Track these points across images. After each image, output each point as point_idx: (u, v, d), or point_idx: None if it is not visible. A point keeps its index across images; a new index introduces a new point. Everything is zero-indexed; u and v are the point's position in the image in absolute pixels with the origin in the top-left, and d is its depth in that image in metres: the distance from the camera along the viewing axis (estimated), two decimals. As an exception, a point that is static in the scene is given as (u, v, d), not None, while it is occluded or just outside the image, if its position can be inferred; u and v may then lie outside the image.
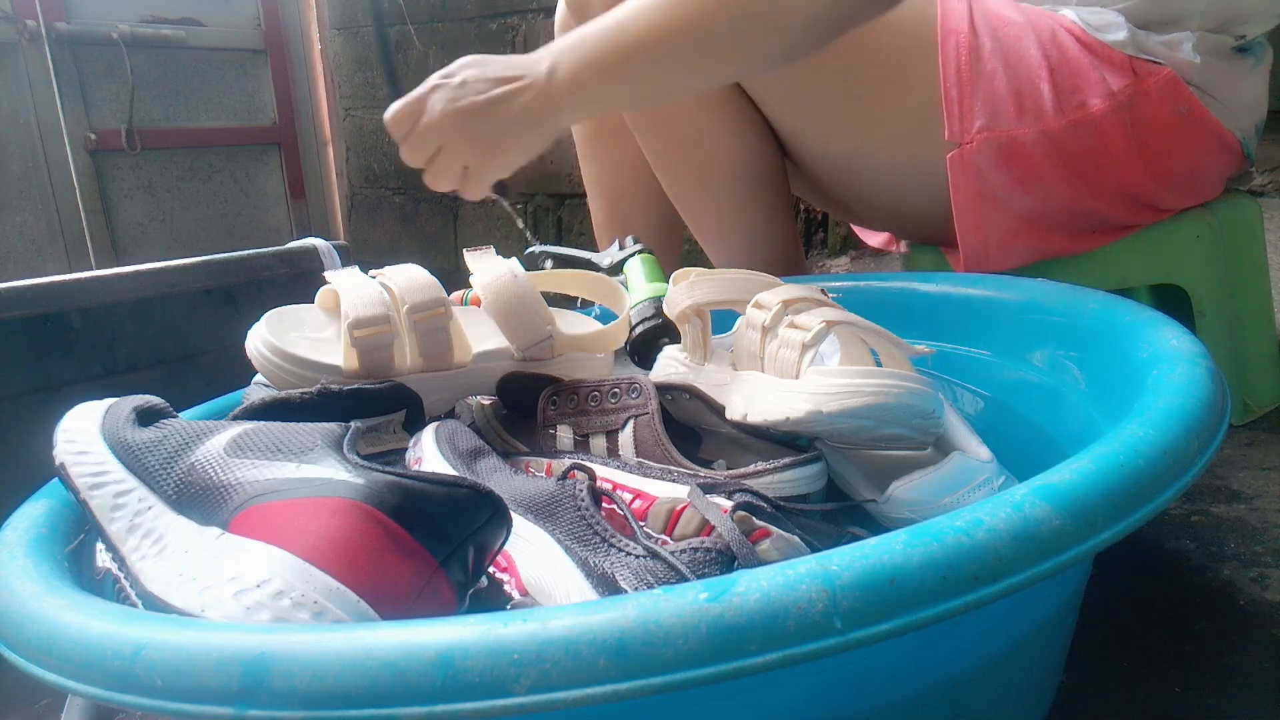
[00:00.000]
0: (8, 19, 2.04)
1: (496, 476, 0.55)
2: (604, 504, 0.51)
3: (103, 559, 0.44)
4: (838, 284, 0.82)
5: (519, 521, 0.49)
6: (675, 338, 0.71)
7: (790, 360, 0.56)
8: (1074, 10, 0.82)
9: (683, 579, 0.42)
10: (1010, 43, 0.80)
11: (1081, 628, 0.50)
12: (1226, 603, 0.62)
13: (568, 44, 0.70)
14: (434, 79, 0.72)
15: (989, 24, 0.81)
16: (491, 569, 0.47)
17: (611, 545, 0.45)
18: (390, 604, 0.37)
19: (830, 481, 0.58)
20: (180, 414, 0.54)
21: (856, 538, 0.47)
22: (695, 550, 0.42)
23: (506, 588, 0.47)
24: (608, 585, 0.44)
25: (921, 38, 0.82)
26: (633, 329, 0.80)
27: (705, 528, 0.46)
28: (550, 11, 1.12)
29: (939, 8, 0.82)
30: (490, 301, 0.68)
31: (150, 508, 0.43)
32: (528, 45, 2.16)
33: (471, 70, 0.71)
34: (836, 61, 0.85)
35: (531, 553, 0.47)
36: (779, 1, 0.66)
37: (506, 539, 0.43)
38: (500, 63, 0.71)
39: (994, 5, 0.83)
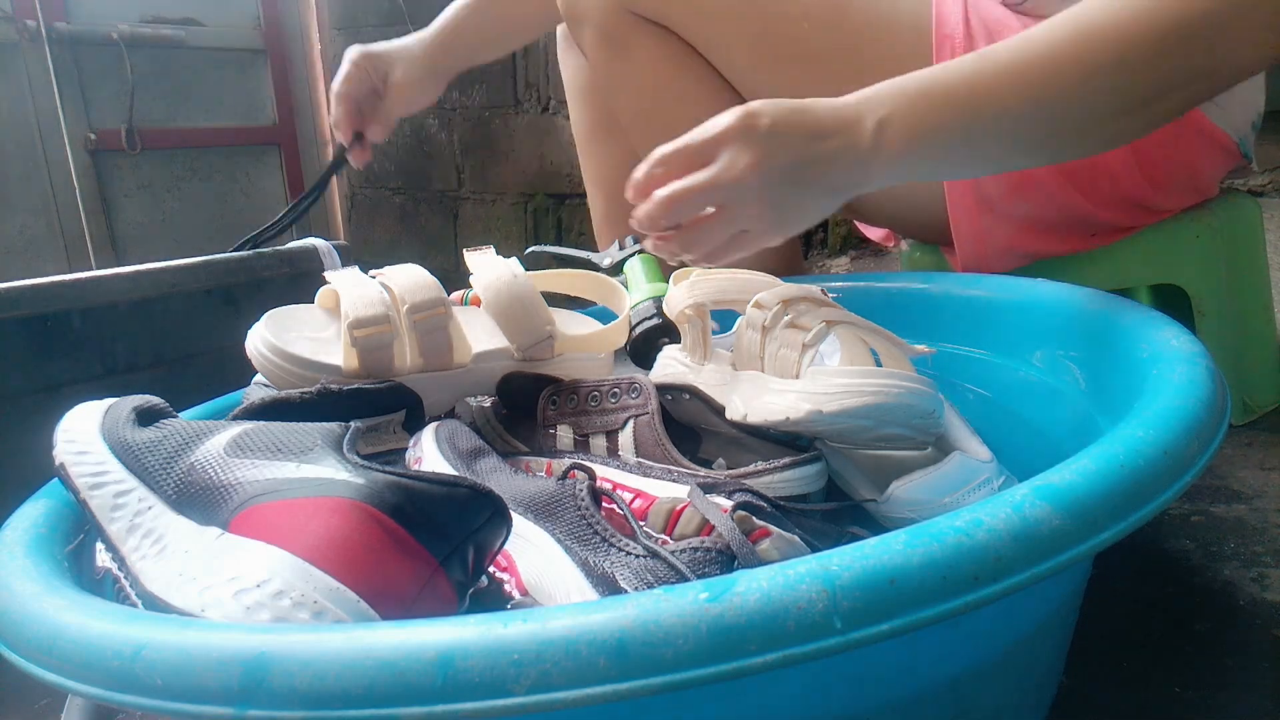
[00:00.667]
0: (8, 19, 2.04)
1: (496, 476, 0.55)
2: (604, 504, 0.51)
3: (103, 559, 0.44)
4: (838, 284, 0.82)
5: (519, 521, 0.49)
6: (675, 338, 0.71)
7: (790, 360, 0.56)
8: None
9: (683, 579, 0.42)
10: None
11: (1081, 628, 0.50)
12: (1226, 603, 0.62)
13: (897, 100, 0.55)
14: (733, 119, 0.55)
15: (984, 28, 0.81)
16: (491, 569, 0.47)
17: (611, 545, 0.45)
18: (390, 604, 0.37)
19: (830, 481, 0.58)
20: (180, 414, 0.54)
21: (856, 538, 0.47)
22: (695, 550, 0.42)
23: (506, 587, 0.47)
24: (608, 585, 0.43)
25: (919, 42, 0.82)
26: (633, 329, 0.80)
27: (705, 527, 0.46)
28: (550, 11, 1.11)
29: (933, 10, 0.82)
30: (490, 301, 0.68)
31: (150, 508, 0.43)
32: (528, 45, 2.16)
33: (779, 117, 0.55)
34: (835, 67, 0.84)
35: (532, 552, 0.47)
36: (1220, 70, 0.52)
37: (506, 539, 0.43)
38: (811, 113, 0.56)
39: (988, 8, 0.83)
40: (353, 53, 1.03)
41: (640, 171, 0.58)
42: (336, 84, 1.03)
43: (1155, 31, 0.51)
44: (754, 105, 0.55)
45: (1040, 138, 0.56)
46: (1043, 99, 0.53)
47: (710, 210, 0.57)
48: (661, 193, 0.56)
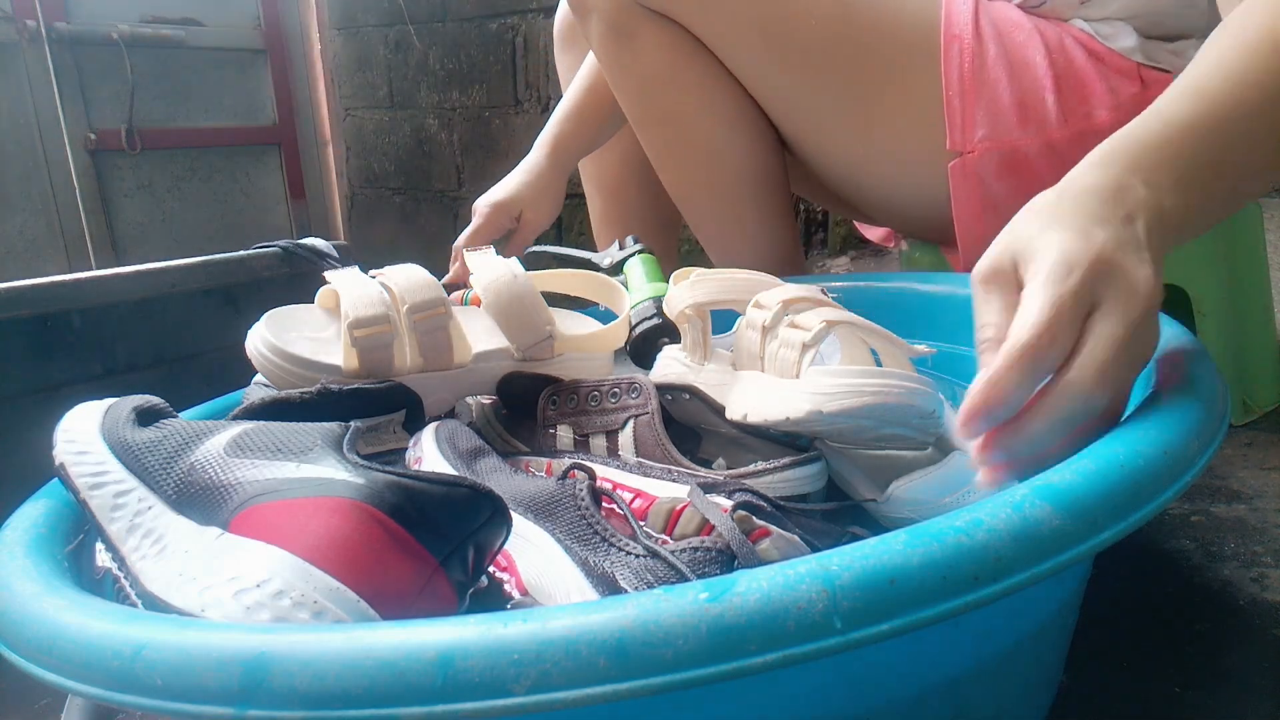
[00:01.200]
0: (8, 19, 2.04)
1: (496, 476, 0.55)
2: (604, 504, 0.50)
3: (102, 559, 0.44)
4: (838, 284, 0.82)
5: (519, 521, 0.49)
6: (675, 338, 0.71)
7: (790, 360, 0.56)
8: (1083, 21, 0.81)
9: (683, 579, 0.41)
10: (1015, 50, 0.80)
11: (1081, 628, 0.50)
12: (1226, 603, 0.62)
13: (1151, 154, 0.46)
14: (1088, 251, 0.40)
15: (995, 29, 0.81)
16: (492, 569, 0.47)
17: (612, 545, 0.45)
18: (390, 603, 0.37)
19: (830, 481, 0.58)
20: (180, 414, 0.54)
21: (856, 538, 0.47)
22: (695, 550, 0.42)
23: (507, 587, 0.47)
24: (608, 585, 0.43)
25: (926, 40, 0.82)
26: (633, 329, 0.80)
27: (705, 527, 0.46)
28: (550, 12, 1.12)
29: (943, 10, 0.82)
30: (490, 301, 0.68)
31: (150, 508, 0.43)
32: (528, 45, 2.16)
33: (1111, 234, 0.41)
34: (841, 63, 0.84)
35: (532, 553, 0.47)
36: None
37: (506, 538, 0.43)
38: (1103, 214, 0.43)
39: (1001, 9, 0.82)
40: (482, 206, 1.04)
41: (990, 395, 0.38)
42: (465, 238, 1.04)
43: None
44: (1073, 248, 0.40)
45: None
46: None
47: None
48: (1061, 404, 0.38)
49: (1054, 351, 0.38)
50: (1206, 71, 0.50)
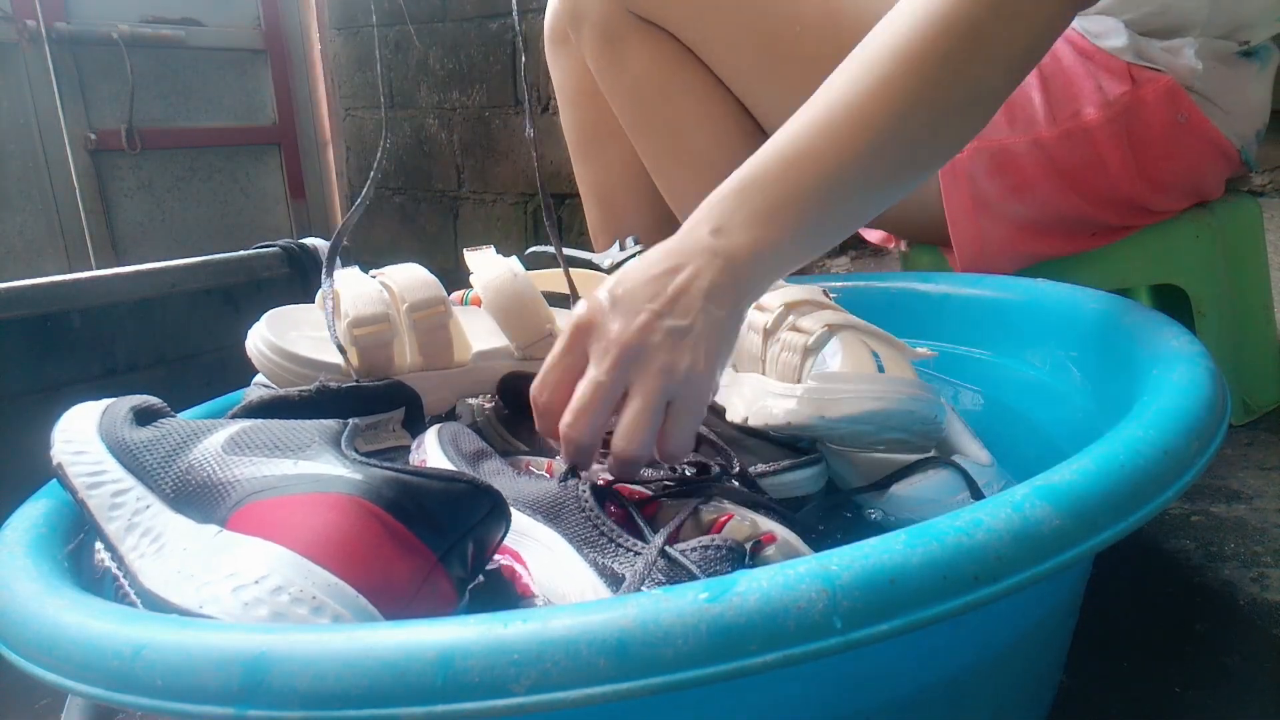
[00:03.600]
0: (8, 19, 2.04)
1: (500, 479, 0.55)
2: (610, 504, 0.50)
3: (101, 556, 0.44)
4: (838, 284, 0.82)
5: (530, 524, 0.49)
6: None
7: (792, 364, 0.56)
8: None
9: (693, 578, 0.41)
10: None
11: (1081, 628, 0.50)
12: (1226, 603, 0.62)
13: (725, 199, 0.52)
14: (576, 311, 0.49)
15: None
16: (502, 569, 0.47)
17: (619, 545, 0.45)
18: (389, 599, 0.37)
19: (830, 482, 0.58)
20: (180, 414, 0.54)
21: (857, 538, 0.47)
22: (706, 549, 0.42)
23: (522, 585, 0.46)
24: (619, 586, 0.43)
25: None
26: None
27: (714, 527, 0.45)
28: (550, 12, 1.11)
29: None
30: (490, 300, 0.68)
31: (148, 506, 0.43)
32: (528, 45, 2.16)
33: (614, 287, 0.49)
34: (826, 67, 0.84)
35: (545, 555, 0.47)
36: (982, 79, 0.51)
37: (506, 533, 0.43)
38: (644, 263, 0.50)
39: None
40: None
41: (537, 422, 0.50)
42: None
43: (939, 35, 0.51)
44: (584, 301, 0.49)
45: (887, 168, 0.52)
46: (863, 136, 0.51)
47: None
48: (564, 423, 0.47)
49: (552, 388, 0.49)
50: (813, 100, 0.53)
